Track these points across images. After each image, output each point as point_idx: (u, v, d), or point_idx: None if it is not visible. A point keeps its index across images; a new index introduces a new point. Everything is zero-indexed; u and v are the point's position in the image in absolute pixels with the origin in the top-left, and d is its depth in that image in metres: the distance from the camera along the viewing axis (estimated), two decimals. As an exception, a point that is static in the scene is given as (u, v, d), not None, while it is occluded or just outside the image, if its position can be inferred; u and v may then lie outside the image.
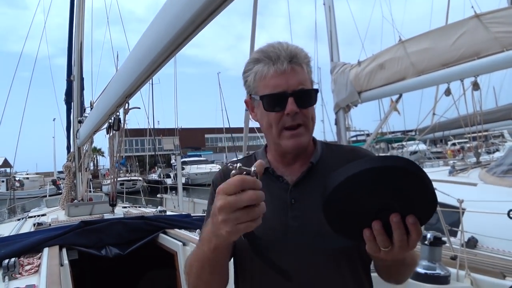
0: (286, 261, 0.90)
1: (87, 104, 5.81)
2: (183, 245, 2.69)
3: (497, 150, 13.71)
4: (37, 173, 38.68)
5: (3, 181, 29.13)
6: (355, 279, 0.98)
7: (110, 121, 3.24)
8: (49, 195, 10.33)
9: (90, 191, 7.91)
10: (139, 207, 5.58)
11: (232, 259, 1.05)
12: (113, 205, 4.16)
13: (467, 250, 3.44)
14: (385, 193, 0.71)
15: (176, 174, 12.40)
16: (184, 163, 29.43)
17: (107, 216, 3.72)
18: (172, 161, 32.56)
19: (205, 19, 1.25)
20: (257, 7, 4.10)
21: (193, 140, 48.16)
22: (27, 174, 35.57)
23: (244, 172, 0.69)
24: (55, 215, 4.58)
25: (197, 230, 2.92)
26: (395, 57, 5.18)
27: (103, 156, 44.57)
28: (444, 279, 1.94)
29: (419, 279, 1.92)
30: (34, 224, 3.41)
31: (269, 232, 0.93)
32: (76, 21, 5.92)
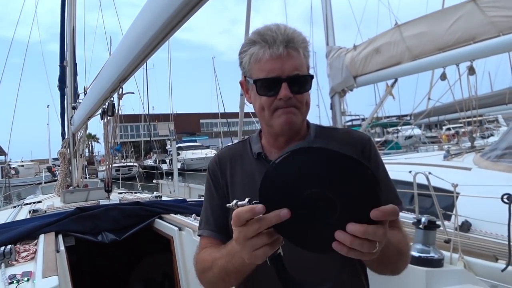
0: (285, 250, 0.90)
1: (80, 90, 5.74)
2: (179, 230, 2.70)
3: (492, 135, 13.79)
4: (32, 161, 38.50)
5: (-2, 169, 29.03)
6: (348, 267, 0.96)
7: (104, 106, 3.22)
8: (45, 182, 10.30)
9: (86, 178, 7.90)
10: (135, 192, 5.58)
11: None
12: (108, 191, 4.16)
13: (461, 233, 3.49)
14: (308, 181, 0.65)
15: (171, 160, 12.41)
16: (179, 148, 29.40)
17: (103, 202, 3.72)
18: (168, 146, 32.52)
19: (198, 2, 1.23)
20: (252, -10, 4.05)
21: (188, 125, 48.03)
22: (22, 161, 35.40)
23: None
24: (51, 202, 4.58)
25: (193, 215, 2.93)
26: (391, 41, 5.16)
27: (98, 142, 44.41)
28: (438, 262, 1.96)
29: (413, 262, 1.94)
30: (29, 211, 3.40)
31: None
32: (68, 5, 5.80)
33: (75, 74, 5.99)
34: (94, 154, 42.38)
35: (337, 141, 1.01)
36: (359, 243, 0.62)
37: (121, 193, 5.24)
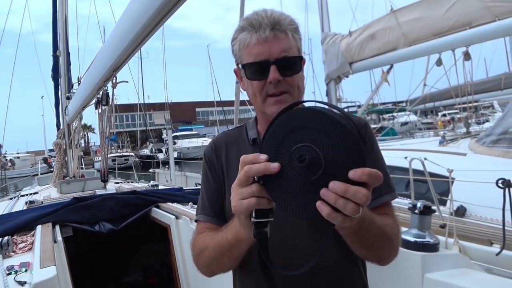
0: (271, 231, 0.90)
1: (74, 79, 5.70)
2: (176, 218, 2.71)
3: (487, 120, 13.84)
4: (27, 152, 38.31)
5: (-7, 161, 28.88)
6: (343, 251, 0.95)
7: (98, 96, 3.19)
8: (41, 173, 10.26)
9: (82, 168, 7.89)
10: (131, 182, 5.58)
11: None
12: (104, 180, 4.15)
13: (456, 218, 3.52)
14: (299, 137, 0.68)
15: (168, 149, 12.38)
16: (175, 137, 29.35)
17: (99, 192, 3.72)
18: (164, 135, 32.40)
19: (192, -12, 1.21)
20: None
21: (184, 114, 47.90)
22: (18, 153, 35.24)
23: None
24: (47, 192, 4.57)
25: (190, 203, 2.94)
26: (386, 27, 5.12)
27: (93, 132, 44.17)
28: (433, 247, 1.98)
29: (409, 247, 1.96)
30: (26, 203, 3.40)
31: None
32: (59, -7, 5.72)
33: (68, 64, 5.93)
34: (90, 145, 42.22)
35: None
36: (342, 202, 0.61)
37: (117, 182, 5.25)
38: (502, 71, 13.02)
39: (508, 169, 3.64)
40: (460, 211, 3.84)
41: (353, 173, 0.61)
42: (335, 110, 0.70)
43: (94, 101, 3.54)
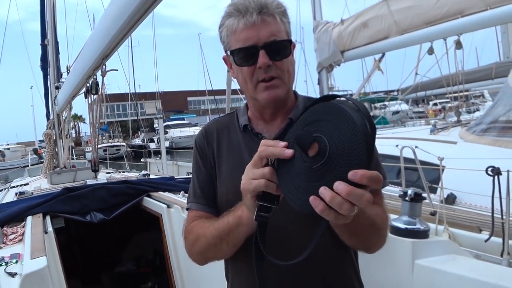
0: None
1: (63, 69, 5.64)
2: (168, 207, 2.70)
3: (477, 110, 13.96)
4: (18, 143, 37.91)
5: (-17, 153, 28.56)
6: (335, 237, 0.93)
7: (88, 85, 3.15)
8: (31, 165, 10.18)
9: (73, 159, 7.82)
10: (123, 172, 5.55)
11: None
12: (95, 170, 4.12)
13: (446, 206, 3.57)
14: (314, 127, 0.69)
15: (159, 138, 12.33)
16: (167, 126, 29.15)
17: (90, 182, 3.69)
18: (155, 125, 32.21)
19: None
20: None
21: (176, 103, 47.56)
22: (8, 144, 34.85)
23: None
24: (38, 183, 4.53)
25: (181, 192, 2.92)
26: (378, 15, 5.11)
27: (84, 123, 43.76)
28: (424, 234, 2.00)
29: (399, 233, 1.97)
30: (16, 194, 3.36)
31: None
32: (46, -19, 5.60)
33: (57, 53, 5.84)
34: (81, 135, 41.84)
35: None
36: (338, 202, 0.59)
37: (108, 172, 5.21)
38: (493, 61, 13.08)
39: (497, 157, 3.68)
40: (450, 199, 3.89)
41: (353, 175, 0.59)
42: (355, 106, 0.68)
43: (83, 90, 3.49)
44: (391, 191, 3.65)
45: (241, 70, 0.97)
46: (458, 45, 5.10)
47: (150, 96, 33.59)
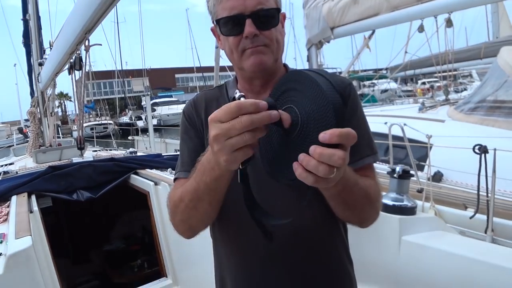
0: (254, 190, 0.87)
1: (46, 44, 5.47)
2: (155, 184, 2.67)
3: (465, 89, 14.04)
4: (3, 123, 37.13)
5: (-32, 133, 27.94)
6: (325, 211, 0.93)
7: (71, 60, 3.06)
8: (17, 144, 9.99)
9: (59, 137, 7.70)
10: (110, 150, 5.49)
11: None
12: (81, 148, 4.05)
13: (433, 183, 3.61)
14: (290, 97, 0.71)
15: (147, 116, 12.19)
16: (155, 104, 28.83)
17: (76, 160, 3.64)
18: (143, 102, 31.85)
19: None
20: None
21: (163, 80, 46.85)
22: (-7, 124, 34.13)
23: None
24: (23, 163, 4.46)
25: (169, 169, 2.90)
26: (369, -9, 5.02)
27: (70, 101, 42.99)
28: (411, 210, 2.03)
29: (387, 210, 2.00)
30: (0, 173, 3.30)
31: None
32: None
33: (39, 28, 5.64)
34: (67, 113, 41.17)
35: None
36: (313, 164, 0.59)
37: (95, 150, 5.15)
38: (481, 41, 13.08)
39: (484, 136, 3.72)
40: (437, 176, 3.94)
41: (323, 136, 0.59)
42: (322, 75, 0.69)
43: (67, 66, 3.39)
44: (379, 168, 3.65)
45: (227, 40, 0.93)
46: (449, 23, 5.06)
47: (138, 73, 33.03)
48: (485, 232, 2.83)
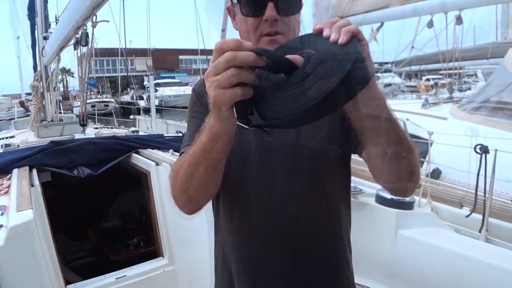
0: (259, 172, 0.87)
1: (52, 18, 5.42)
2: (156, 165, 2.67)
3: (469, 88, 13.96)
4: (3, 96, 36.92)
5: (-33, 105, 27.80)
6: (327, 198, 0.95)
7: (77, 36, 3.04)
8: (18, 117, 9.97)
9: (60, 113, 7.68)
10: (111, 128, 5.49)
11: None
12: (83, 125, 4.05)
13: (431, 180, 3.63)
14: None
15: (149, 96, 12.13)
16: (157, 85, 28.61)
17: (78, 136, 3.65)
18: (145, 82, 31.66)
19: None
20: None
21: (167, 61, 46.49)
22: (-7, 97, 33.92)
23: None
24: (24, 136, 4.47)
25: (170, 150, 2.90)
26: (381, -17, 4.96)
27: (73, 77, 42.75)
28: (408, 205, 2.05)
29: (385, 203, 2.02)
30: (2, 146, 3.31)
31: (245, 144, 0.94)
32: None
33: (45, 1, 5.59)
34: (69, 90, 41.00)
35: None
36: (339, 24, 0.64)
37: (97, 128, 5.15)
38: (487, 41, 12.94)
39: (486, 136, 3.73)
40: (436, 173, 3.96)
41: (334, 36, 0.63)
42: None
43: (73, 41, 3.37)
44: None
45: (245, 21, 0.92)
46: (459, 20, 5.04)
47: (141, 52, 32.74)
48: (480, 231, 2.86)
